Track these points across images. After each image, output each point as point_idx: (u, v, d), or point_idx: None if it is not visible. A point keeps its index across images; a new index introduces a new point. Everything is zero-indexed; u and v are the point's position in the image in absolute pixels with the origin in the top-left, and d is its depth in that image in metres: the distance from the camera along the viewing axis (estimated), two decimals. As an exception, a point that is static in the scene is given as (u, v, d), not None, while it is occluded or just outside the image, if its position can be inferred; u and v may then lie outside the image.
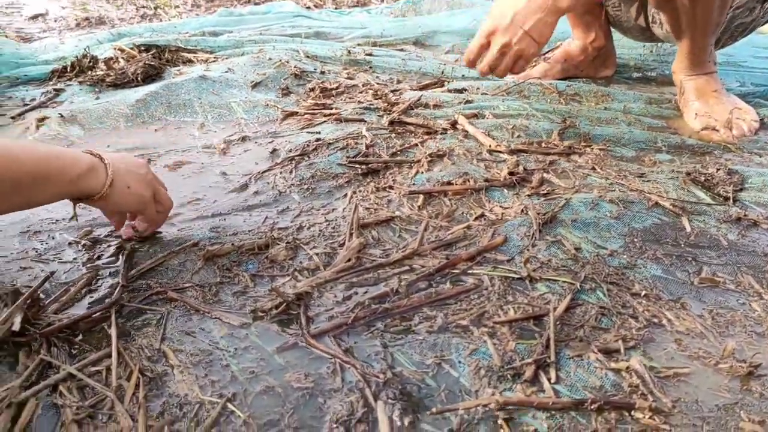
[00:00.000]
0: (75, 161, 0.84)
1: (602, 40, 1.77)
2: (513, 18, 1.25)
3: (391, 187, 1.16)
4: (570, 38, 1.83)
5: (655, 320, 0.83)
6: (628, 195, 1.13)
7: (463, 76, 1.84)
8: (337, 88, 1.65)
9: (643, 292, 0.88)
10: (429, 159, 1.26)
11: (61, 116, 1.43)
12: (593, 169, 1.25)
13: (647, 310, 0.85)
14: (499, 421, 0.67)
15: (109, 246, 0.98)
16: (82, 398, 0.69)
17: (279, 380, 0.73)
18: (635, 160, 1.31)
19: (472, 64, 1.35)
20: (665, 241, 1.00)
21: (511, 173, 1.19)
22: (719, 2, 1.31)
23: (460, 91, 1.67)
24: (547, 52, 1.85)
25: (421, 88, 1.69)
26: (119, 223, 0.98)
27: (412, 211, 1.09)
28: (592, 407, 0.68)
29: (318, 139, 1.34)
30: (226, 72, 1.71)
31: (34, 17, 2.53)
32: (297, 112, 1.49)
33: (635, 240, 1.00)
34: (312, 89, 1.66)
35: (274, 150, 1.32)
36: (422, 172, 1.21)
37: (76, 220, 0.98)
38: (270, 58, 1.78)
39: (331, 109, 1.51)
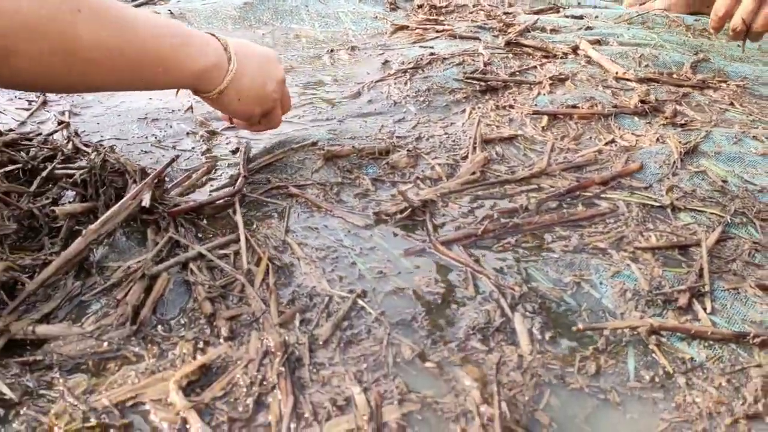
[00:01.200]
0: (202, 53, 0.75)
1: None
2: None
3: (512, 107, 1.10)
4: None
5: (815, 262, 0.75)
6: (774, 133, 1.03)
7: (578, 3, 1.72)
8: (447, 6, 1.56)
9: (800, 233, 0.80)
10: (550, 81, 1.18)
11: (170, 12, 1.40)
12: (731, 104, 1.14)
13: (805, 251, 0.77)
14: (651, 346, 0.62)
15: (227, 139, 0.95)
16: (212, 278, 0.67)
17: (408, 283, 0.70)
18: (777, 100, 1.19)
19: (721, 22, 1.21)
20: (820, 184, 0.91)
21: (642, 101, 1.10)
22: None
23: (579, 17, 1.56)
24: (674, -18, 1.71)
25: (536, 13, 1.58)
26: (223, 114, 0.91)
27: (535, 131, 1.02)
28: (755, 341, 0.62)
29: (432, 54, 1.27)
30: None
31: None
32: (407, 26, 1.43)
33: (786, 179, 0.91)
34: (420, 5, 1.58)
35: (386, 62, 1.26)
36: (544, 94, 1.14)
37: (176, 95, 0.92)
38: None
39: (444, 25, 1.44)
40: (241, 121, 0.90)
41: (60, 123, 0.94)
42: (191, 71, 0.74)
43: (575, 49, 1.33)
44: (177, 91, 0.86)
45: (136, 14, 0.68)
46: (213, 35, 0.78)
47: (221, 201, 0.79)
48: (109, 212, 0.70)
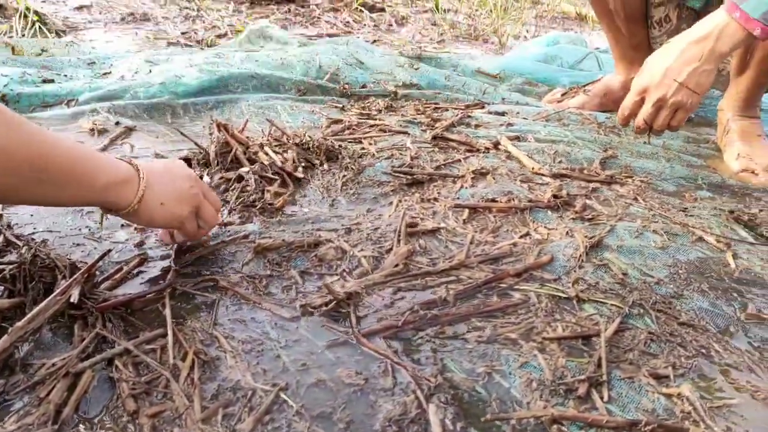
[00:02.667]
0: (110, 168, 0.75)
1: (645, 78, 1.78)
2: (666, 72, 1.25)
3: (436, 199, 1.17)
4: (612, 73, 1.85)
5: (704, 351, 0.83)
6: (671, 227, 1.13)
7: (503, 99, 1.86)
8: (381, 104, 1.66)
9: (691, 323, 0.88)
10: (472, 175, 1.27)
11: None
12: (635, 199, 1.25)
13: (695, 340, 0.85)
14: (552, 434, 0.67)
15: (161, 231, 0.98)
16: (137, 374, 0.69)
17: (330, 375, 0.73)
18: (676, 194, 1.31)
19: (626, 120, 1.36)
20: (710, 275, 1.00)
21: (555, 196, 1.20)
22: None
23: (501, 113, 1.68)
24: (587, 84, 1.87)
25: (463, 109, 1.70)
26: (162, 233, 0.94)
27: (457, 223, 1.10)
28: (646, 429, 0.68)
29: (362, 148, 1.35)
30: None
31: (79, 8, 2.57)
32: (341, 120, 1.51)
33: (680, 271, 1.00)
34: (357, 100, 1.68)
35: (319, 154, 1.33)
36: (466, 188, 1.22)
37: (101, 228, 0.94)
38: (320, 66, 1.81)
39: (375, 120, 1.53)
40: (183, 232, 0.90)
41: (-9, 214, 0.95)
42: (100, 184, 0.74)
43: (496, 145, 1.43)
44: (101, 217, 0.88)
45: (56, 139, 0.70)
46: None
47: (151, 295, 0.82)
48: (36, 309, 0.71)
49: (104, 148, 1.24)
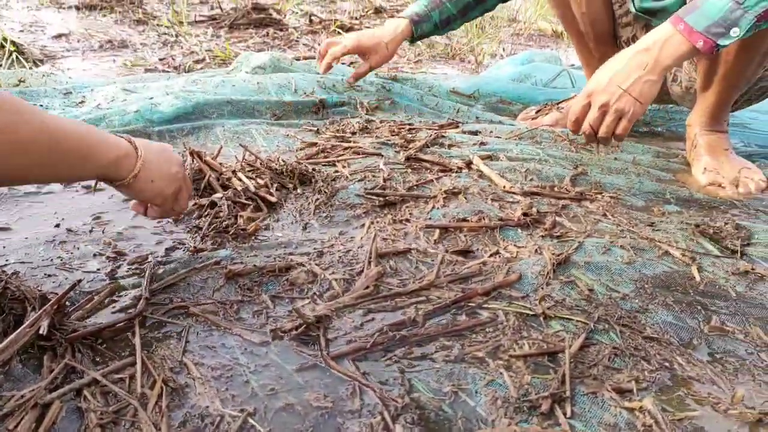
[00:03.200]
0: (113, 145, 0.85)
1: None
2: (611, 79, 1.27)
3: (407, 220, 1.19)
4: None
5: (667, 364, 0.85)
6: (638, 242, 1.15)
7: (477, 118, 1.88)
8: (356, 126, 1.68)
9: (655, 336, 0.90)
10: (444, 195, 1.29)
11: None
12: (604, 215, 1.28)
13: (659, 353, 0.86)
14: (516, 451, 0.68)
15: (132, 259, 0.99)
16: (105, 404, 0.70)
17: (299, 398, 0.74)
18: (645, 209, 1.34)
19: (576, 125, 1.36)
20: (675, 289, 1.02)
21: (524, 214, 1.22)
22: (759, 58, 1.36)
23: (475, 133, 1.71)
24: (560, 102, 1.90)
25: (437, 129, 1.72)
26: (135, 204, 0.99)
27: (428, 244, 1.11)
28: (607, 443, 0.69)
29: (336, 171, 1.37)
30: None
31: (58, 36, 2.59)
32: (316, 143, 1.53)
33: (646, 286, 1.02)
34: (331, 122, 1.70)
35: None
36: (438, 208, 1.24)
37: (93, 192, 0.99)
38: (295, 90, 1.83)
39: (349, 142, 1.55)
40: (156, 208, 0.97)
41: (-37, 246, 0.96)
42: (108, 158, 0.84)
43: (469, 164, 1.46)
44: (95, 184, 0.95)
45: (60, 120, 0.79)
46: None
47: (121, 324, 0.83)
48: (5, 342, 0.72)
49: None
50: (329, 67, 1.77)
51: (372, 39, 1.75)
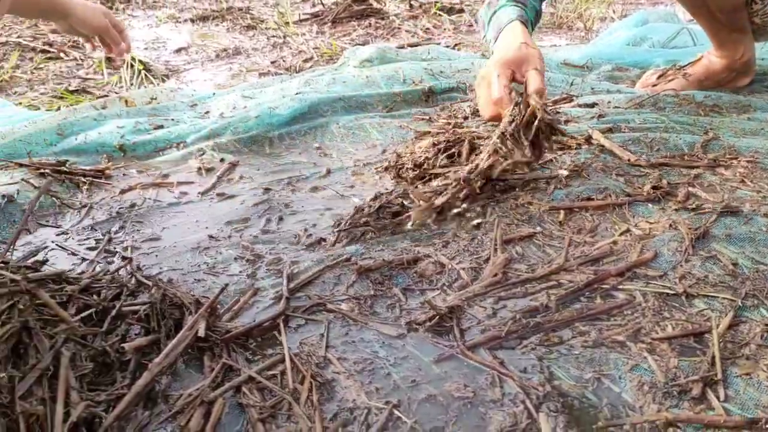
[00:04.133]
0: None
1: (749, 53, 1.68)
2: None
3: (530, 203, 1.17)
4: (709, 52, 1.75)
5: (829, 339, 0.79)
6: (785, 209, 1.07)
7: (592, 89, 1.81)
8: (467, 110, 1.68)
9: (813, 311, 0.84)
10: (566, 174, 1.26)
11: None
12: (742, 182, 1.20)
13: (819, 328, 0.81)
14: (668, 438, 0.66)
15: (269, 261, 1.05)
16: (262, 399, 0.75)
17: (439, 389, 0.76)
18: (788, 172, 1.24)
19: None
20: (832, 257, 0.95)
21: (654, 187, 1.17)
22: None
23: (591, 105, 1.65)
24: (685, 66, 1.78)
25: (551, 105, 1.68)
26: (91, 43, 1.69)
27: (553, 226, 1.09)
28: (767, 426, 0.66)
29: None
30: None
31: (178, 51, 2.76)
32: (429, 132, 1.54)
33: (798, 255, 0.95)
34: (442, 108, 1.70)
35: (411, 168, 1.36)
36: (560, 188, 1.21)
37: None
38: (404, 80, 1.85)
39: (462, 127, 1.55)
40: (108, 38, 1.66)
41: (123, 259, 1.06)
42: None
43: (588, 139, 1.41)
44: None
45: None
46: None
47: (267, 324, 0.88)
48: (169, 345, 0.79)
49: (213, 186, 1.34)
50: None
51: (515, 58, 1.31)
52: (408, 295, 0.95)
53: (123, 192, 1.33)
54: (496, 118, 1.27)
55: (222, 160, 1.46)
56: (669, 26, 2.21)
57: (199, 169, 1.43)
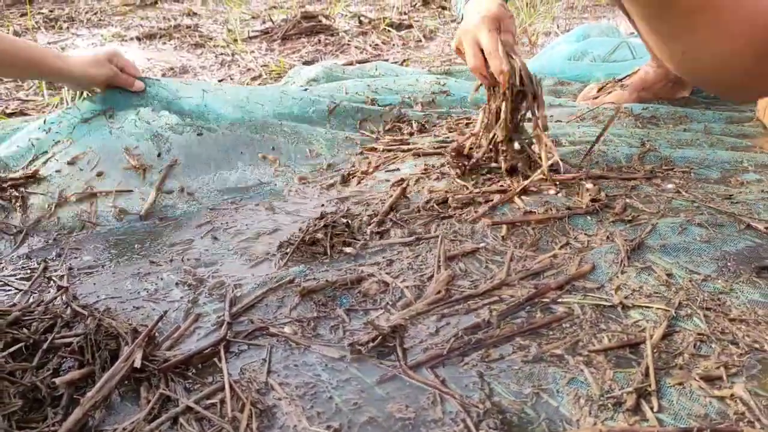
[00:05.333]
0: (53, 51, 1.42)
1: (684, 63, 1.74)
2: None
3: (474, 220, 1.19)
4: (646, 63, 1.80)
5: (756, 346, 0.82)
6: (717, 218, 1.11)
7: (535, 104, 1.85)
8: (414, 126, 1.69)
9: (742, 317, 0.86)
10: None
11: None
12: (678, 192, 1.23)
13: (747, 335, 0.83)
14: (604, 451, 0.67)
15: (211, 285, 1.03)
16: (201, 430, 0.74)
17: (381, 411, 0.76)
18: (721, 181, 1.28)
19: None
20: (760, 264, 0.98)
21: (593, 200, 1.19)
22: None
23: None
24: (623, 78, 1.83)
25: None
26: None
27: (496, 241, 1.11)
28: (698, 436, 0.67)
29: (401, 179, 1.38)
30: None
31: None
32: (376, 149, 1.54)
33: (728, 264, 0.99)
34: (388, 129, 1.71)
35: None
36: (504, 203, 1.23)
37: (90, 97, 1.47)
38: (347, 92, 1.85)
39: (408, 144, 1.56)
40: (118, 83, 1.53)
41: (59, 288, 1.02)
42: (52, 59, 1.38)
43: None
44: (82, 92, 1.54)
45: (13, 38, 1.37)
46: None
47: (207, 351, 0.87)
48: (103, 378, 0.77)
49: (153, 203, 1.31)
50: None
51: (497, 14, 1.31)
52: (352, 315, 0.95)
53: (59, 205, 1.28)
54: (483, 70, 1.30)
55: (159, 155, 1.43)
56: (609, 40, 2.27)
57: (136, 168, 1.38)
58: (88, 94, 1.59)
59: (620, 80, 1.83)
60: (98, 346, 0.84)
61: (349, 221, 1.16)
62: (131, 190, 1.34)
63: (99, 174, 1.36)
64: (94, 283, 1.06)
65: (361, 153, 1.55)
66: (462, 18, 1.38)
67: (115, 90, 1.55)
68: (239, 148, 1.52)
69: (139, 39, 3.23)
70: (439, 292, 0.97)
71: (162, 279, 1.06)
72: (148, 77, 1.63)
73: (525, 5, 3.24)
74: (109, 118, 1.51)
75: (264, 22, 3.50)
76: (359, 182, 1.39)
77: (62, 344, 0.84)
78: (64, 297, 0.99)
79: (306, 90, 1.83)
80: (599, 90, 1.87)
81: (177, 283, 1.04)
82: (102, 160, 1.39)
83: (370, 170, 1.44)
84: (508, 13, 1.33)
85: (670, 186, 1.26)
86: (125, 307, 0.99)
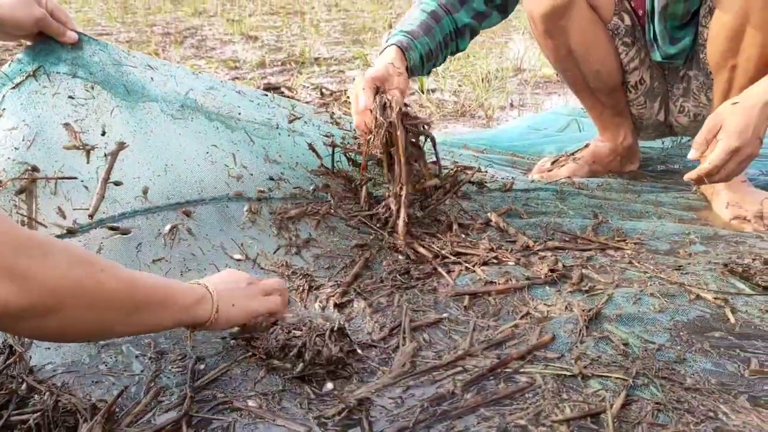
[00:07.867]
0: (188, 290, 0.92)
1: (631, 139, 1.84)
2: (752, 131, 1.29)
3: (435, 290, 1.21)
4: (595, 138, 1.90)
5: (711, 414, 0.84)
6: (668, 288, 1.16)
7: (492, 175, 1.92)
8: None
9: (696, 386, 0.89)
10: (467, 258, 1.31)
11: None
12: (630, 263, 1.28)
13: (702, 404, 0.86)
14: None
15: (173, 357, 1.02)
16: None
17: (348, 486, 0.75)
18: (670, 252, 1.34)
19: (702, 146, 1.37)
20: (711, 334, 1.02)
21: (551, 270, 1.23)
22: None
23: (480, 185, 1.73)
24: (575, 152, 1.92)
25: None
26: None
27: (458, 311, 1.13)
28: (660, 506, 0.69)
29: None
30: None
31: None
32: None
33: (681, 333, 1.02)
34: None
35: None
36: (464, 273, 1.26)
37: (190, 344, 1.02)
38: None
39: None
40: (261, 322, 1.03)
41: (11, 354, 0.99)
42: (182, 305, 0.90)
43: (487, 223, 1.47)
44: (190, 333, 0.97)
45: (133, 271, 0.86)
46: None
47: (168, 427, 0.85)
48: (61, 457, 0.75)
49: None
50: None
51: (380, 75, 1.42)
52: (317, 388, 0.94)
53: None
54: (363, 128, 1.39)
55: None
56: (561, 116, 2.39)
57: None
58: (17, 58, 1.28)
59: (572, 154, 1.92)
60: (56, 424, 0.82)
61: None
62: (75, 177, 1.21)
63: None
64: (50, 350, 1.03)
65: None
66: None
67: (43, 42, 1.28)
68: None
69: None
70: (404, 364, 0.98)
71: (122, 352, 1.04)
72: (84, 33, 1.33)
73: (480, 80, 3.38)
74: (40, 81, 1.26)
75: (227, 92, 3.55)
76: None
77: (19, 422, 0.81)
78: (18, 366, 0.95)
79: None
80: (552, 163, 1.95)
81: (137, 356, 1.03)
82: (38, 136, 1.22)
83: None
84: (397, 71, 1.43)
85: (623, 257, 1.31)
86: (84, 381, 0.96)
